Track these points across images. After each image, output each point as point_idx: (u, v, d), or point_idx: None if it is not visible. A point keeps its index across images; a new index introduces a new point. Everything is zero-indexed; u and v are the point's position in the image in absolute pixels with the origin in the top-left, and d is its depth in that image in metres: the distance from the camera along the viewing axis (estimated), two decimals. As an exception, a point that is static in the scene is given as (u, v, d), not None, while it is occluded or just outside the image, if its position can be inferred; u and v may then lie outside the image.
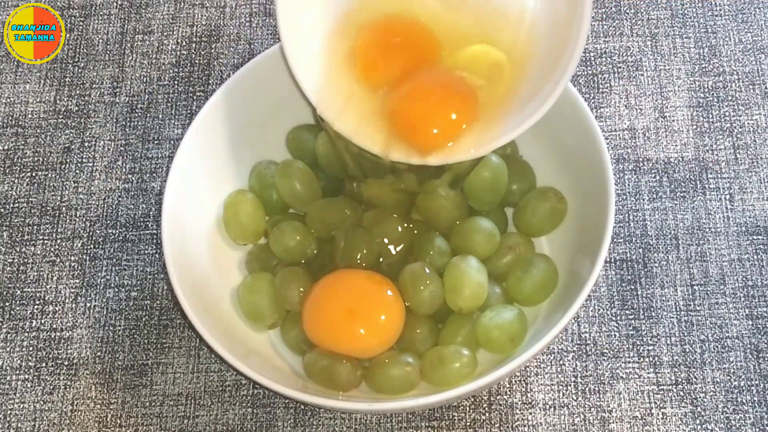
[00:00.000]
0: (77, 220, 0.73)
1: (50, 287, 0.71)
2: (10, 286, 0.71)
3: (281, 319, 0.65)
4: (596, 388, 0.66)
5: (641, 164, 0.73)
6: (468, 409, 0.66)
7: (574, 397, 0.66)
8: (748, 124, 0.74)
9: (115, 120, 0.77)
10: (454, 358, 0.61)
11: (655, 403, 0.66)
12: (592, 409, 0.66)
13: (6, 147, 0.76)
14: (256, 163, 0.69)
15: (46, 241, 0.73)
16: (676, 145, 0.74)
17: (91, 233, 0.73)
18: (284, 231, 0.65)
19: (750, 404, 0.66)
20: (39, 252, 0.72)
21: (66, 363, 0.69)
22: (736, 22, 0.77)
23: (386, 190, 0.65)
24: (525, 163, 0.68)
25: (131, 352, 0.69)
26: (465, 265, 0.63)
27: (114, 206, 0.74)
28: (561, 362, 0.67)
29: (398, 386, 0.62)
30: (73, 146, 0.76)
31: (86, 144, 0.76)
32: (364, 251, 0.64)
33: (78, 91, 0.78)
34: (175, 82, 0.78)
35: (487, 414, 0.66)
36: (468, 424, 0.66)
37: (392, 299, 0.62)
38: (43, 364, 0.69)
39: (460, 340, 0.63)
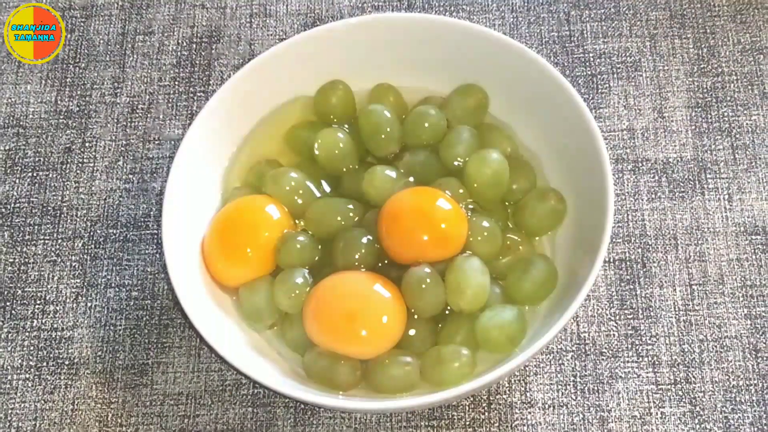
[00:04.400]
0: (78, 220, 0.74)
1: (51, 287, 0.71)
2: (11, 285, 0.72)
3: (281, 319, 0.65)
4: (595, 388, 0.67)
5: (640, 164, 0.73)
6: (467, 408, 0.66)
7: (573, 397, 0.66)
8: (747, 124, 0.74)
9: (115, 120, 0.77)
10: (454, 358, 0.61)
11: (654, 402, 0.66)
12: (591, 408, 0.66)
13: (7, 147, 0.76)
14: (256, 162, 0.69)
15: (47, 241, 0.73)
16: (675, 146, 0.74)
17: (91, 233, 0.73)
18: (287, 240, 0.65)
19: (748, 404, 0.66)
20: (40, 252, 0.73)
21: (67, 362, 0.69)
22: (735, 22, 0.78)
23: (388, 183, 0.66)
24: (526, 163, 0.69)
25: (132, 352, 0.69)
26: (468, 266, 0.63)
27: (115, 206, 0.74)
28: (560, 362, 0.67)
29: (398, 386, 0.62)
30: (74, 146, 0.76)
31: (87, 144, 0.76)
32: (363, 252, 0.64)
33: (79, 92, 0.78)
34: (176, 83, 0.78)
35: (486, 413, 0.66)
36: (467, 423, 0.66)
37: (393, 301, 0.62)
38: (44, 364, 0.69)
39: (460, 339, 0.63)
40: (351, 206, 0.66)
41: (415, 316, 0.63)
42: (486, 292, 0.63)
